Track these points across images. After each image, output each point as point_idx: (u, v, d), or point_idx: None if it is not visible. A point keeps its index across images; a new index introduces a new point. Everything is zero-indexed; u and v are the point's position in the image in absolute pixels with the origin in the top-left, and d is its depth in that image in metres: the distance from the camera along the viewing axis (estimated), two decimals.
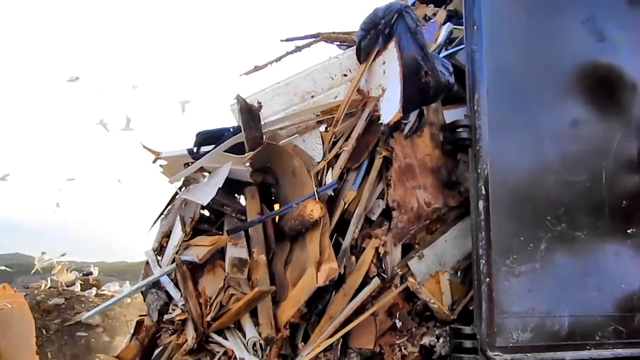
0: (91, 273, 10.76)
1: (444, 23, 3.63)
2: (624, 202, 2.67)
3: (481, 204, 2.52)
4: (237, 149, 3.06)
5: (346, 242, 2.84)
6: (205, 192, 3.04)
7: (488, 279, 2.47)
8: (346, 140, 3.00)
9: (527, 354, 2.47)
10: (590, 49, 2.79)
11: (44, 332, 8.14)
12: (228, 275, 2.82)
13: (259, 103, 3.07)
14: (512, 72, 2.68)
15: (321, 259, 2.68)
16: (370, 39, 2.99)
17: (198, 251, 2.98)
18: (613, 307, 2.62)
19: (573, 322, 2.53)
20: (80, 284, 9.88)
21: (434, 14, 3.91)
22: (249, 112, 2.98)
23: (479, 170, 2.54)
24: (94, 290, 10.01)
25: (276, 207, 3.21)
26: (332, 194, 2.93)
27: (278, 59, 3.20)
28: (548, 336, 2.52)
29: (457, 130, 2.71)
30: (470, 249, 2.69)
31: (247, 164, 3.05)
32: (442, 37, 3.30)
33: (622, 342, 2.58)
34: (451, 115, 2.95)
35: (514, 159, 2.63)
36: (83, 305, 8.87)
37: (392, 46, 2.89)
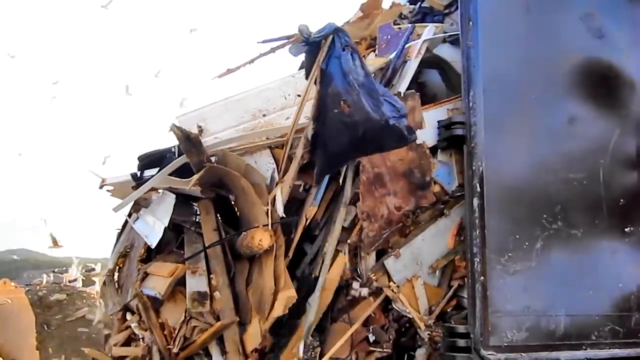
0: (94, 269, 10.81)
1: (421, 21, 3.50)
2: (621, 200, 2.61)
3: (476, 201, 2.46)
4: (185, 169, 2.94)
5: (312, 252, 2.77)
6: (153, 232, 2.97)
7: (482, 278, 2.41)
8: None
9: (522, 354, 2.41)
10: (587, 45, 2.73)
11: (46, 328, 8.15)
12: (189, 309, 2.73)
13: (199, 127, 2.97)
14: (508, 68, 2.63)
15: (277, 287, 2.61)
16: (307, 61, 2.80)
17: (158, 284, 2.89)
18: (610, 306, 2.56)
19: (569, 321, 2.48)
20: (83, 280, 9.91)
21: (410, 12, 3.81)
22: (188, 140, 2.85)
23: (473, 168, 2.48)
24: (96, 286, 10.04)
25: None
26: (284, 216, 2.78)
27: (251, 61, 3.08)
28: (543, 336, 2.46)
29: (452, 127, 2.65)
30: (447, 248, 2.65)
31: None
32: (424, 37, 3.16)
33: (618, 342, 2.52)
34: (432, 115, 2.82)
35: (509, 156, 2.57)
36: (85, 301, 8.89)
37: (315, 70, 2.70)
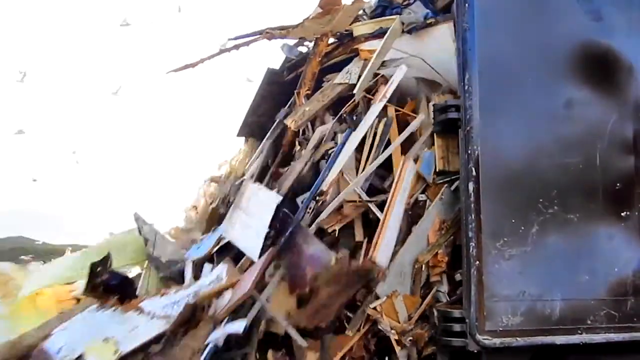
0: None
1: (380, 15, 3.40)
2: (617, 184, 2.58)
3: (471, 186, 2.43)
4: None
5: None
6: None
7: (477, 262, 2.39)
8: None
9: (517, 338, 2.39)
10: (585, 28, 2.67)
11: None
12: None
13: None
14: (504, 51, 2.58)
15: None
16: None
17: None
18: (605, 291, 2.52)
19: (564, 306, 2.45)
20: None
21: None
22: None
23: (469, 152, 2.45)
24: None
25: None
26: None
27: (211, 57, 2.89)
28: (539, 320, 2.44)
29: (448, 110, 2.63)
30: (426, 245, 2.68)
31: None
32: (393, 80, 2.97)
33: (614, 326, 2.49)
34: None
35: (505, 140, 2.53)
36: None
37: None
